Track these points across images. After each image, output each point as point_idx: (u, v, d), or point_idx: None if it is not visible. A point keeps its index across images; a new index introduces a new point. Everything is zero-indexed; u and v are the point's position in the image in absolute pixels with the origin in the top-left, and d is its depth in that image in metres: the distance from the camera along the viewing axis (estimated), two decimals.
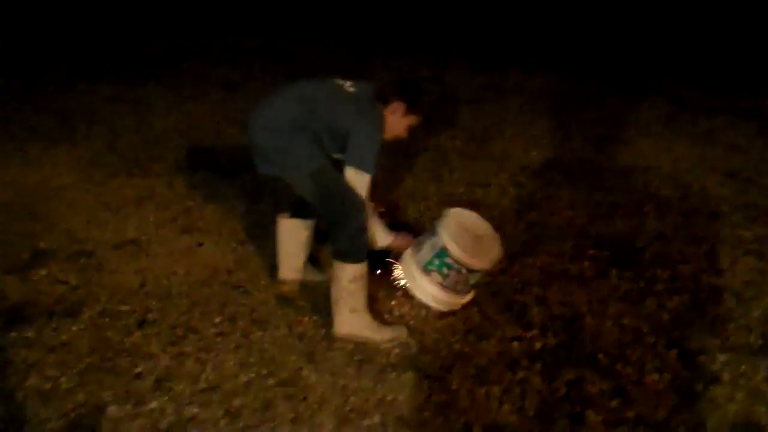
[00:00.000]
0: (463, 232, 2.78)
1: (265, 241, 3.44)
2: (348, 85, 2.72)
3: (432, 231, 2.80)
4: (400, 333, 2.73)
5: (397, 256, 2.86)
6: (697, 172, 4.36)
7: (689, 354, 2.63)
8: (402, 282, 2.80)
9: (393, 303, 2.91)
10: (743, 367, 2.56)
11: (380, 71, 6.55)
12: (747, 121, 5.36)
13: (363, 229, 2.63)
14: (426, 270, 2.76)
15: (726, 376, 2.50)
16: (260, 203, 3.85)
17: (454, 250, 2.72)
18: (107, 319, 2.78)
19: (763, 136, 5.07)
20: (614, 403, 2.37)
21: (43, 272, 3.10)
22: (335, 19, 8.77)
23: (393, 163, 4.39)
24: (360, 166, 2.55)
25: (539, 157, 4.57)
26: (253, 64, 6.69)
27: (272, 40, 7.57)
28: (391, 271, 2.87)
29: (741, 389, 2.45)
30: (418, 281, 2.75)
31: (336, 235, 2.64)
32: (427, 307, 2.76)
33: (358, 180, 2.57)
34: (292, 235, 2.96)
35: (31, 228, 3.49)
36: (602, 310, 2.90)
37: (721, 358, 2.61)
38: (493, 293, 3.01)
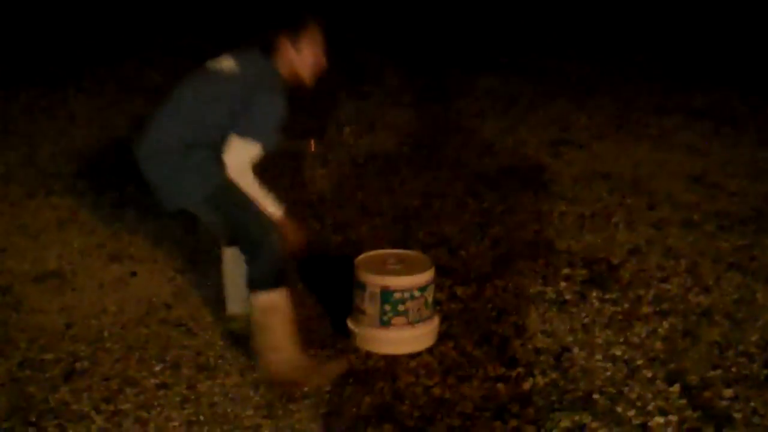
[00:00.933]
0: (383, 266, 2.55)
1: (206, 267, 3.08)
2: (227, 66, 2.34)
3: (357, 287, 2.54)
4: (340, 367, 2.40)
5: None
6: (660, 178, 4.13)
7: (692, 389, 2.36)
8: (366, 349, 2.49)
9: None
10: (753, 403, 2.30)
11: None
12: (700, 121, 5.18)
13: (273, 251, 2.29)
14: (384, 323, 2.48)
15: (737, 415, 2.25)
16: (198, 223, 3.47)
17: (394, 281, 2.48)
18: (28, 372, 2.40)
19: (720, 135, 4.89)
20: None
21: None
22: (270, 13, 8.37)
23: (339, 173, 4.07)
24: (246, 134, 2.19)
25: (494, 163, 4.30)
26: (180, 67, 6.25)
27: (200, 40, 7.15)
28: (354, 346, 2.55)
29: (756, 429, 2.18)
30: (384, 340, 2.50)
31: (247, 261, 2.30)
32: (410, 356, 2.46)
33: (242, 149, 2.22)
34: (239, 264, 2.59)
35: None
36: (589, 340, 2.62)
37: (727, 392, 2.35)
38: (467, 323, 2.71)
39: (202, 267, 3.08)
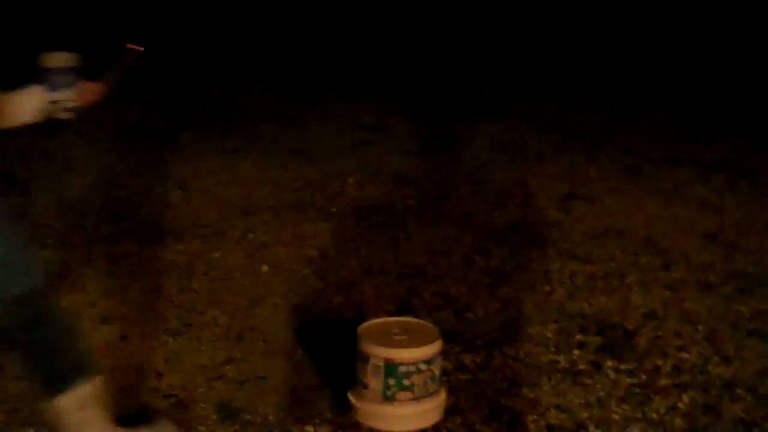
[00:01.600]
0: (387, 335, 2.41)
1: (201, 330, 2.93)
2: None
3: (360, 359, 2.40)
4: None
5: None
6: (673, 236, 4.00)
7: None
8: (369, 425, 2.33)
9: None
10: None
11: (322, 117, 6.10)
12: (713, 174, 5.05)
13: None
14: (388, 398, 2.34)
15: None
16: (193, 280, 3.34)
17: (400, 354, 2.34)
18: None
19: (733, 190, 4.76)
20: None
21: None
22: (267, 63, 8.31)
23: (342, 227, 3.94)
24: None
25: (502, 219, 4.16)
26: (181, 112, 6.19)
27: (201, 86, 7.07)
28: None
29: None
30: (389, 416, 2.35)
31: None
32: None
33: None
34: None
35: None
36: (606, 417, 2.47)
37: None
38: (475, 396, 2.56)
39: (196, 329, 2.94)
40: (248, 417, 2.41)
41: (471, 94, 7.26)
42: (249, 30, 9.75)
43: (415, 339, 2.39)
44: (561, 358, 2.81)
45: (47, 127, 5.14)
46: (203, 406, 2.46)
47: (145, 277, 3.33)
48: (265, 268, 3.48)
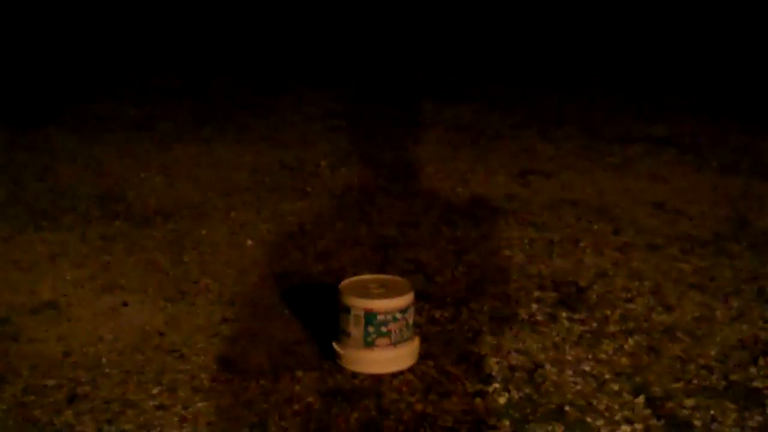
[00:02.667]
0: (366, 290, 2.72)
1: (196, 296, 3.23)
2: None
3: (342, 311, 2.70)
4: None
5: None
6: (624, 204, 4.34)
7: (656, 400, 2.54)
8: (352, 369, 2.64)
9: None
10: (712, 411, 2.48)
11: (293, 106, 6.39)
12: (663, 149, 5.41)
13: None
14: (368, 344, 2.65)
15: (698, 422, 2.43)
16: (184, 254, 3.63)
17: (378, 305, 2.65)
18: (33, 397, 2.52)
19: (681, 164, 5.12)
20: None
21: None
22: (241, 53, 8.57)
23: (318, 205, 4.24)
24: None
25: (466, 193, 4.49)
26: (158, 103, 6.44)
27: (175, 77, 7.32)
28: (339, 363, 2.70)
29: None
30: (369, 360, 2.66)
31: None
32: (394, 375, 2.62)
33: None
34: None
35: None
36: (560, 358, 2.80)
37: (688, 402, 2.53)
38: (445, 344, 2.87)
39: (191, 296, 3.22)
40: (243, 366, 2.70)
41: (432, 80, 7.59)
42: (215, 24, 10.00)
43: (391, 292, 2.71)
44: (521, 311, 3.13)
45: (27, 122, 5.40)
46: (204, 358, 2.75)
47: (138, 253, 3.60)
48: (249, 242, 3.76)
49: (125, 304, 3.15)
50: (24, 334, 2.91)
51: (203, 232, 3.90)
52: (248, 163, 4.99)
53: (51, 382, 2.61)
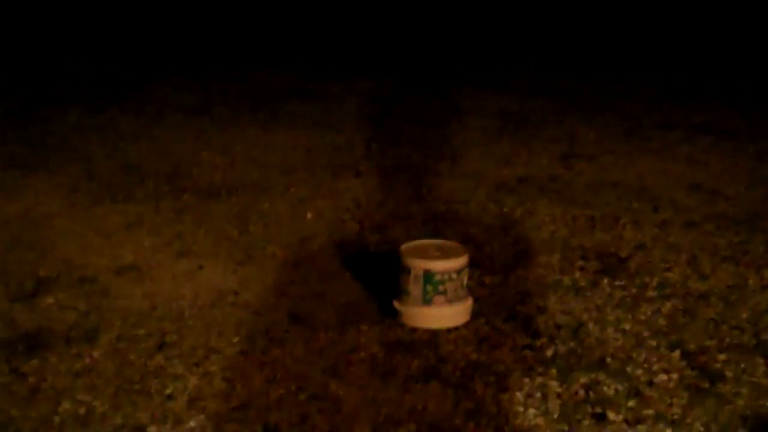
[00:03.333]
0: (425, 252, 2.98)
1: (264, 261, 3.50)
2: None
3: (403, 271, 2.97)
4: None
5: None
6: (663, 185, 4.55)
7: (691, 354, 2.77)
8: (412, 325, 2.90)
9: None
10: (743, 364, 2.71)
11: (340, 93, 6.66)
12: (701, 135, 5.60)
13: None
14: (427, 302, 2.90)
15: (729, 374, 2.65)
16: (250, 225, 3.91)
17: (436, 265, 2.91)
18: (126, 343, 2.81)
19: (718, 148, 5.31)
20: (631, 403, 2.49)
21: (50, 300, 3.12)
22: (288, 41, 8.86)
23: (371, 183, 4.50)
24: None
25: (511, 174, 4.72)
26: (210, 88, 6.75)
27: (226, 67, 7.64)
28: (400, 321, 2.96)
29: (744, 385, 2.60)
30: (427, 316, 2.91)
31: None
32: (449, 330, 2.88)
33: None
34: None
35: (25, 257, 3.50)
36: (602, 318, 3.03)
37: (721, 357, 2.75)
38: (495, 305, 3.12)
39: (260, 261, 3.50)
40: (312, 321, 2.98)
41: (474, 70, 7.83)
42: (265, 16, 10.30)
43: (447, 254, 2.97)
44: (565, 278, 3.38)
45: (92, 105, 5.72)
46: (276, 314, 3.03)
47: (208, 223, 3.89)
48: (309, 215, 4.04)
49: (201, 267, 3.44)
50: (111, 292, 3.20)
51: (266, 205, 4.18)
52: (303, 144, 5.27)
53: (141, 332, 2.90)
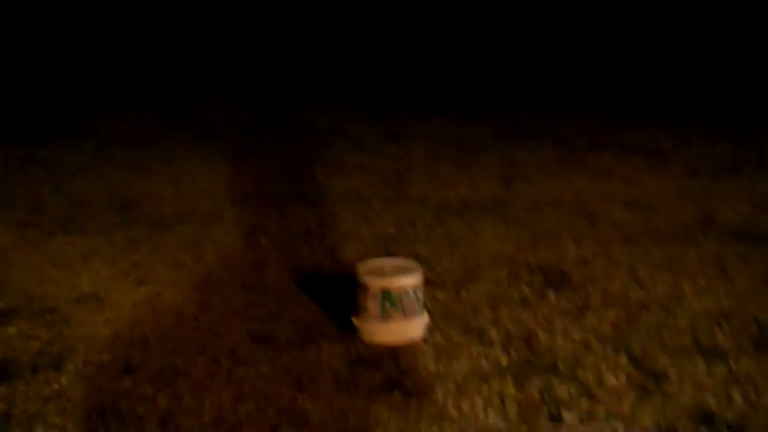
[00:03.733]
0: (382, 270, 3.12)
1: (221, 287, 3.59)
2: None
3: (360, 289, 3.09)
4: None
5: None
6: (599, 203, 4.75)
7: (636, 358, 2.93)
8: (371, 340, 3.02)
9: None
10: (685, 365, 2.88)
11: (280, 122, 6.78)
12: (632, 155, 5.84)
13: None
14: (384, 317, 3.02)
15: (672, 374, 2.82)
16: (205, 253, 3.99)
17: (393, 283, 3.05)
18: (92, 369, 2.87)
19: (649, 167, 5.55)
20: (584, 403, 2.64)
21: (12, 330, 3.16)
22: (227, 75, 8.95)
23: (321, 209, 4.61)
24: None
25: (455, 196, 4.88)
26: (152, 122, 6.81)
27: (165, 98, 7.70)
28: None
29: (687, 383, 2.77)
30: (384, 331, 3.04)
31: None
32: (405, 345, 3.00)
33: None
34: None
35: None
36: (551, 327, 3.19)
37: (664, 359, 2.92)
38: (449, 319, 3.26)
39: (216, 286, 3.59)
40: (274, 340, 3.07)
41: (410, 97, 8.02)
42: (206, 46, 10.38)
43: (402, 271, 3.10)
44: (513, 291, 3.53)
45: (34, 140, 5.73)
46: (238, 335, 3.11)
47: (162, 252, 3.96)
48: (262, 241, 4.13)
49: (159, 294, 3.51)
50: (73, 320, 3.26)
51: (218, 234, 4.26)
52: (249, 173, 5.37)
53: (107, 357, 2.96)
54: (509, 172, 5.40)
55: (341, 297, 3.31)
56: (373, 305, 3.03)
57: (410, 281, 3.04)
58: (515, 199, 4.85)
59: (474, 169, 5.45)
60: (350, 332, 3.11)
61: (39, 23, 11.13)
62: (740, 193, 4.98)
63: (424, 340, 3.08)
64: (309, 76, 9.06)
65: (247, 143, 6.17)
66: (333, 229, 4.31)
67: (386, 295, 3.00)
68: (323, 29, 11.67)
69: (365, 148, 5.94)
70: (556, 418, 2.56)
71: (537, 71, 9.26)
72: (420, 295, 3.09)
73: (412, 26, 11.69)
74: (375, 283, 3.02)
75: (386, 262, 3.22)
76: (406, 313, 3.03)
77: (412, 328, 3.07)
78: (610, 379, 2.79)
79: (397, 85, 8.47)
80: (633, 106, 7.52)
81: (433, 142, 6.16)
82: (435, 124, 6.69)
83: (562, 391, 2.72)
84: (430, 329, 3.14)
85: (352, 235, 4.22)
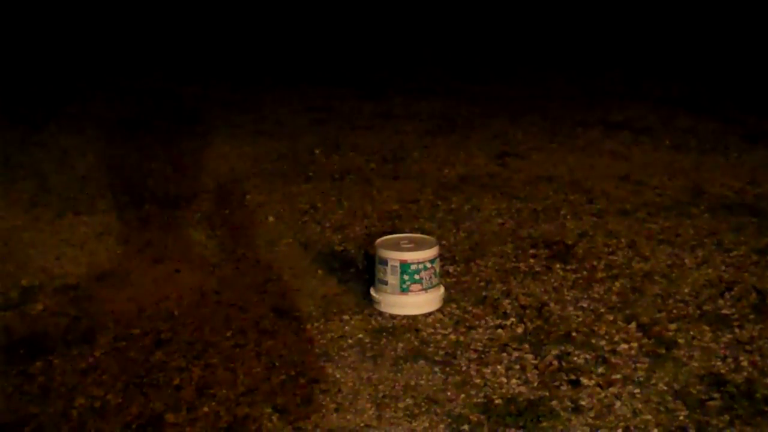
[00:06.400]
0: (399, 245, 3.24)
1: (237, 263, 3.68)
2: None
3: (380, 263, 3.20)
4: None
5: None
6: (593, 178, 4.88)
7: (645, 326, 3.07)
8: (389, 313, 3.14)
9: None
10: (692, 332, 3.02)
11: (276, 102, 6.85)
12: (619, 132, 5.99)
13: None
14: (404, 290, 3.13)
15: (681, 340, 2.95)
16: (216, 230, 4.07)
17: (411, 255, 3.16)
18: (124, 342, 2.96)
19: (637, 143, 5.70)
20: (601, 369, 2.77)
21: (39, 307, 3.24)
22: (217, 56, 8.98)
23: (324, 187, 4.71)
24: None
25: (453, 174, 4.99)
26: (143, 102, 6.86)
27: (157, 81, 7.74)
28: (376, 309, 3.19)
29: (696, 349, 2.90)
30: (404, 303, 3.15)
31: None
32: (425, 315, 3.12)
33: None
34: None
35: (3, 269, 3.60)
36: (561, 298, 3.32)
37: (672, 326, 3.06)
38: (463, 291, 3.37)
39: (233, 263, 3.68)
40: (296, 314, 3.17)
41: (398, 78, 8.10)
42: (189, 31, 10.39)
43: (419, 245, 3.21)
44: (521, 264, 3.65)
45: (28, 121, 5.78)
46: (261, 309, 3.21)
47: (174, 230, 4.04)
48: (270, 219, 4.22)
49: (177, 271, 3.59)
50: (97, 297, 3.34)
51: (226, 211, 4.35)
52: (248, 153, 5.44)
53: (136, 331, 3.05)
54: (502, 149, 5.51)
55: (356, 272, 3.42)
56: (392, 278, 3.13)
57: (428, 254, 3.15)
58: (511, 174, 4.97)
59: (468, 147, 5.57)
60: (368, 305, 3.21)
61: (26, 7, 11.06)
62: (728, 167, 5.13)
63: (442, 312, 3.18)
64: (297, 53, 9.12)
65: (239, 122, 6.25)
66: (338, 207, 4.40)
67: (405, 268, 3.11)
68: (311, 7, 11.70)
69: (358, 128, 6.04)
70: (575, 384, 2.68)
71: (521, 50, 9.37)
72: (438, 269, 3.20)
73: (398, 4, 11.75)
74: (394, 256, 3.13)
75: (402, 237, 3.33)
76: (424, 286, 3.14)
77: (431, 300, 3.17)
78: (623, 347, 2.91)
79: (383, 63, 8.55)
80: (615, 84, 7.66)
81: (424, 121, 6.28)
82: (424, 103, 6.80)
83: (579, 358, 2.84)
84: (446, 301, 3.25)
85: (357, 212, 4.31)
